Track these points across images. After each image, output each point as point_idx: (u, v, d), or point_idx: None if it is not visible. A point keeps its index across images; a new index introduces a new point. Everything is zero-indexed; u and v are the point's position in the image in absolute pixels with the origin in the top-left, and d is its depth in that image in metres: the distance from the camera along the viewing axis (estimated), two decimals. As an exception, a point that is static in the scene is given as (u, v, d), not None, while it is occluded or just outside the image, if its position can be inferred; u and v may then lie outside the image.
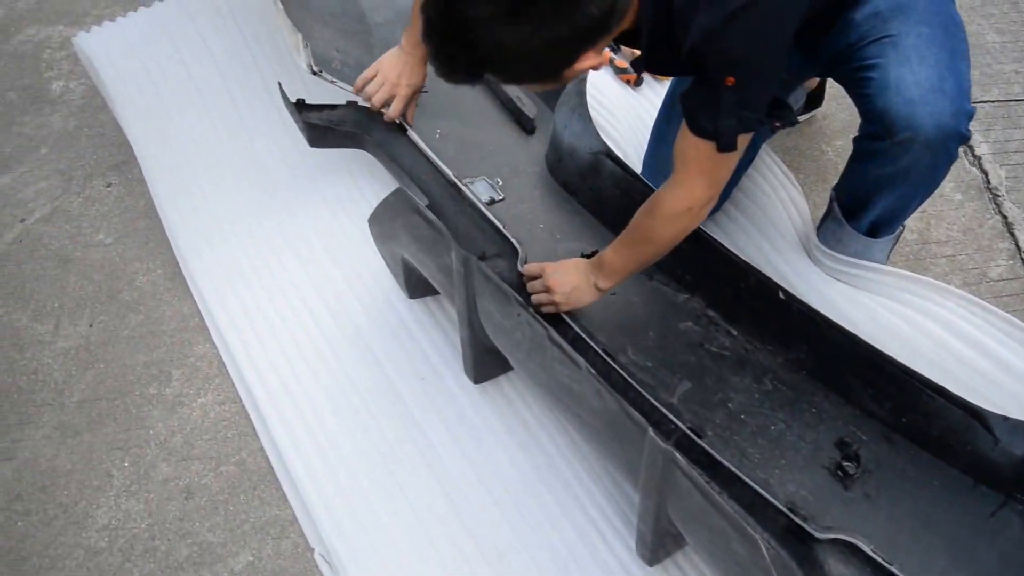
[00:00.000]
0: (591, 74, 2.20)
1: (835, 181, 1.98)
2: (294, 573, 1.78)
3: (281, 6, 2.25)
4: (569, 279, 1.72)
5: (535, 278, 1.77)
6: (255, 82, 2.71)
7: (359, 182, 2.41)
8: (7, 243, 2.52)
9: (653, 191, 1.87)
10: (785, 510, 1.36)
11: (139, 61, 2.75)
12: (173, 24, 2.86)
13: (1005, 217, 2.33)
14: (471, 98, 2.37)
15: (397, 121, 2.18)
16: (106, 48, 2.78)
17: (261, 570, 1.78)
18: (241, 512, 1.86)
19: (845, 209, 1.94)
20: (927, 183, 1.79)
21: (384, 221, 1.91)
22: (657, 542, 1.56)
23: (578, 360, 1.49)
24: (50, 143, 2.85)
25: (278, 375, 2.01)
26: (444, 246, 1.68)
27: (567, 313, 1.75)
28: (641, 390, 1.57)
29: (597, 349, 1.66)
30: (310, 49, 2.17)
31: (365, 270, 2.19)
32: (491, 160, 2.20)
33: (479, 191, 2.07)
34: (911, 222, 2.17)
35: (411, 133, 2.16)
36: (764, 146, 2.22)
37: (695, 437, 1.51)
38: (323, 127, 2.21)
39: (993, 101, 2.64)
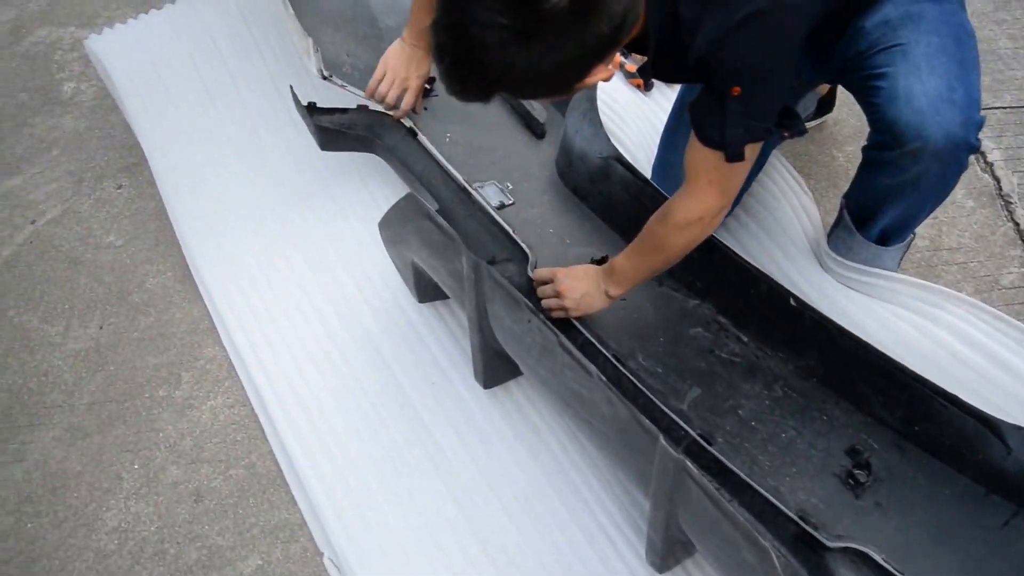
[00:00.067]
0: (601, 81, 2.21)
1: (846, 186, 1.97)
2: (303, 577, 1.78)
3: (292, 11, 2.25)
4: (580, 285, 1.72)
5: (545, 283, 1.77)
6: (266, 85, 2.71)
7: (369, 185, 2.42)
8: (18, 244, 2.53)
9: (663, 196, 1.88)
10: (796, 518, 1.36)
11: (150, 63, 2.76)
12: (184, 26, 2.86)
13: (1017, 224, 2.32)
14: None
15: (407, 124, 2.18)
16: (117, 50, 2.78)
17: (270, 574, 1.78)
18: (250, 516, 1.86)
19: (855, 217, 1.93)
20: (936, 193, 1.78)
21: (394, 225, 1.91)
22: (667, 549, 1.55)
23: (589, 367, 1.49)
24: (61, 144, 2.86)
25: (287, 378, 2.02)
26: (455, 251, 1.68)
27: (577, 318, 1.75)
28: (651, 396, 1.56)
29: (607, 355, 1.66)
30: (320, 54, 2.17)
31: (375, 274, 2.19)
32: (501, 164, 2.20)
33: (489, 195, 2.07)
34: (922, 229, 2.16)
35: (421, 137, 2.16)
36: (775, 152, 2.21)
37: (705, 444, 1.50)
38: (334, 131, 2.21)
39: (1005, 107, 2.64)
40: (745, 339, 1.82)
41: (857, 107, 1.82)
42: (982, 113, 1.65)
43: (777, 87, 1.45)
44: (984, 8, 2.97)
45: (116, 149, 2.81)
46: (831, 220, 2.06)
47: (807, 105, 2.44)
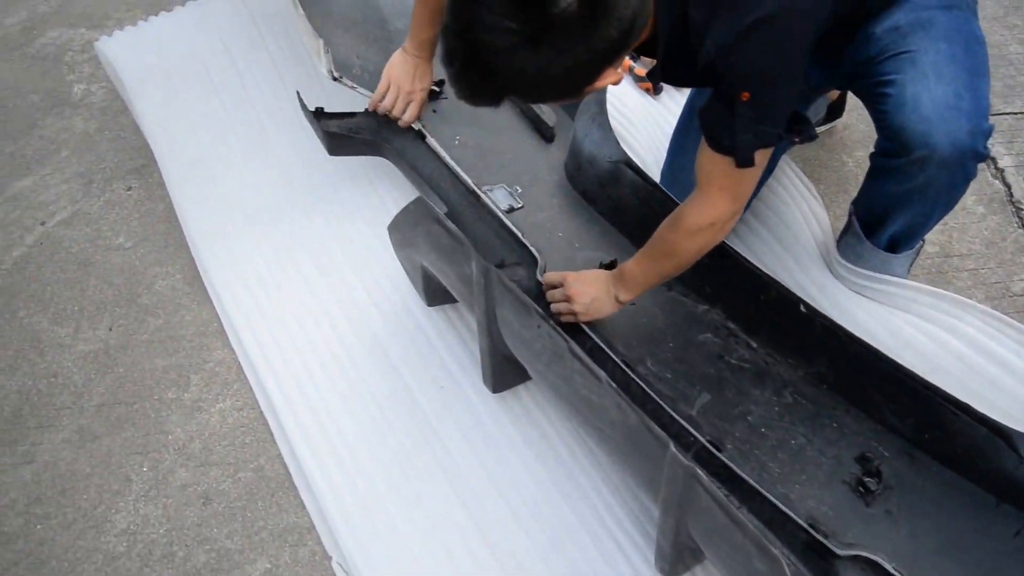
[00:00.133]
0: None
1: (855, 192, 1.97)
2: (311, 581, 1.78)
3: (302, 11, 2.25)
4: (590, 290, 1.72)
5: (555, 287, 1.77)
6: (276, 87, 2.72)
7: (378, 189, 2.42)
8: (28, 246, 2.54)
9: (673, 201, 1.88)
10: (806, 526, 1.36)
11: (160, 65, 2.77)
12: (194, 29, 2.87)
13: (1028, 230, 2.32)
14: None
15: (415, 128, 2.18)
16: (128, 52, 2.79)
17: (278, 577, 1.79)
18: (259, 519, 1.86)
19: (864, 224, 1.93)
20: (945, 200, 1.78)
21: (404, 229, 1.91)
22: (676, 556, 1.55)
23: (599, 373, 1.48)
24: (71, 146, 2.86)
25: (296, 381, 2.02)
26: (464, 256, 1.68)
27: (586, 323, 1.75)
28: (660, 402, 1.56)
29: (616, 360, 1.66)
30: (331, 55, 2.17)
31: (383, 277, 2.19)
32: (510, 168, 2.20)
33: (498, 199, 2.07)
34: (933, 235, 2.16)
35: (430, 140, 2.16)
36: (785, 158, 2.21)
37: (715, 450, 1.50)
38: (342, 135, 2.22)
39: (1016, 113, 2.63)
40: (755, 345, 1.82)
41: (867, 112, 1.81)
42: (992, 119, 1.64)
43: (787, 92, 1.44)
44: (995, 13, 2.96)
45: (126, 151, 2.82)
46: (841, 226, 2.06)
47: (817, 110, 2.43)
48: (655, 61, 1.55)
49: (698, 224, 1.56)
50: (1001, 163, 2.48)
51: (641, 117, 2.56)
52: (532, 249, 1.86)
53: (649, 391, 1.58)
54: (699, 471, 1.30)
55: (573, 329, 1.71)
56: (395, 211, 1.90)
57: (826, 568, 1.33)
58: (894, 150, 1.66)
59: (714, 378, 1.77)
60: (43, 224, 2.61)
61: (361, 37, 2.48)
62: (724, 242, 1.72)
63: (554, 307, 1.74)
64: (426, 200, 1.81)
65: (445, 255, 1.78)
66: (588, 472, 1.82)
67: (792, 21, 1.36)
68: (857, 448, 1.64)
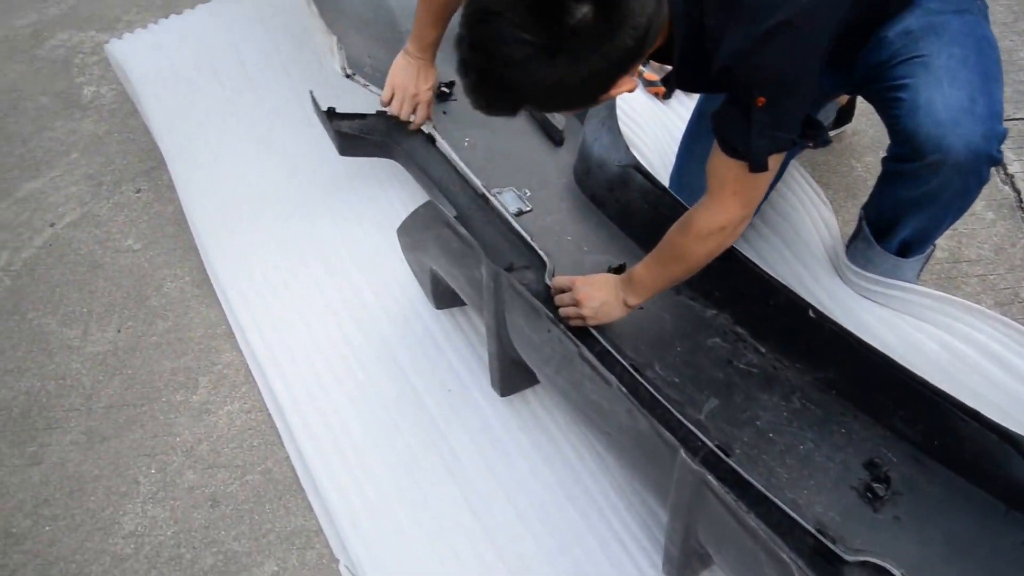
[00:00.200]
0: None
1: (864, 197, 1.96)
2: (318, 584, 1.78)
3: (315, 8, 2.25)
4: (598, 294, 1.72)
5: (564, 291, 1.77)
6: (285, 90, 2.72)
7: (387, 191, 2.42)
8: (37, 247, 2.54)
9: (681, 205, 1.88)
10: (814, 531, 1.35)
11: (170, 68, 2.77)
12: (204, 32, 2.88)
13: (1037, 236, 2.31)
14: (500, 109, 2.37)
15: (425, 131, 2.19)
16: (137, 54, 2.80)
17: (285, 580, 1.79)
18: (267, 521, 1.86)
19: (874, 229, 1.93)
20: (957, 205, 1.77)
21: (413, 232, 1.91)
22: (684, 561, 1.55)
23: (609, 378, 1.48)
24: (80, 148, 2.87)
25: (304, 384, 2.02)
26: (474, 259, 1.68)
27: (594, 327, 1.75)
28: (669, 406, 1.56)
29: (624, 364, 1.66)
30: (344, 52, 2.17)
31: (392, 279, 2.20)
32: (519, 171, 2.20)
33: (507, 201, 2.07)
34: (942, 241, 2.15)
35: (440, 144, 2.16)
36: (795, 163, 2.21)
37: (723, 455, 1.50)
38: (353, 136, 2.22)
39: (1026, 118, 2.63)
40: (763, 350, 1.82)
41: (876, 117, 1.81)
42: (1004, 125, 1.64)
43: (802, 97, 1.44)
44: (1005, 18, 2.95)
45: (135, 153, 2.83)
46: (849, 231, 2.06)
47: (827, 115, 2.43)
48: (666, 66, 1.55)
49: (709, 228, 1.56)
50: (1011, 169, 2.47)
51: (650, 121, 2.57)
52: (541, 253, 1.86)
53: (657, 395, 1.57)
54: (709, 476, 1.30)
55: (581, 333, 1.71)
56: (403, 213, 1.90)
57: (834, 573, 1.33)
58: (907, 154, 1.66)
59: (722, 383, 1.77)
60: (52, 226, 2.61)
61: (372, 37, 2.48)
62: (733, 247, 1.72)
63: (562, 311, 1.74)
64: (436, 203, 1.82)
65: (455, 259, 1.78)
66: (595, 476, 1.81)
67: (808, 27, 1.36)
68: (865, 454, 1.63)
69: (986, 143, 1.59)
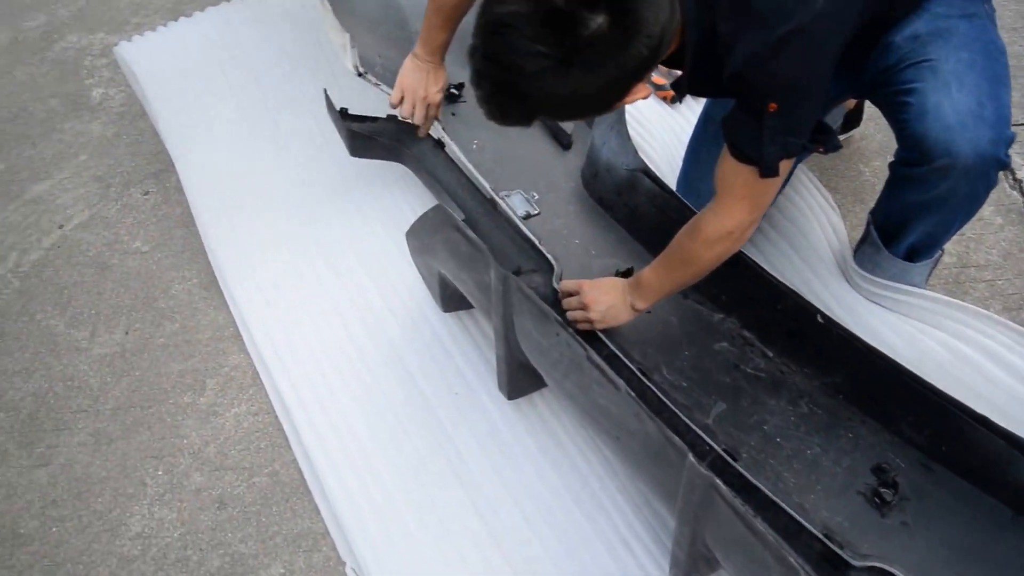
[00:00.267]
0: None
1: (872, 202, 1.96)
2: (325, 586, 1.79)
3: (329, 6, 2.25)
4: (606, 297, 1.72)
5: (571, 294, 1.77)
6: (293, 93, 2.73)
7: (394, 194, 2.42)
8: (45, 249, 2.55)
9: (690, 209, 1.88)
10: (821, 536, 1.35)
11: (179, 70, 2.78)
12: (213, 34, 2.89)
13: (1046, 242, 2.30)
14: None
15: (434, 136, 2.19)
16: (146, 57, 2.81)
17: (292, 582, 1.79)
18: (273, 524, 1.87)
19: (882, 233, 1.92)
20: (966, 209, 1.77)
21: (422, 236, 1.91)
22: (691, 565, 1.54)
23: (617, 382, 1.48)
24: (89, 150, 2.88)
25: (311, 387, 2.02)
26: (483, 263, 1.68)
27: (602, 330, 1.75)
28: (676, 410, 1.56)
29: (632, 368, 1.66)
30: (356, 50, 2.17)
31: (399, 282, 2.20)
32: (527, 174, 2.20)
33: (515, 205, 2.07)
34: (950, 245, 2.15)
35: (449, 147, 2.16)
36: (803, 167, 2.21)
37: (730, 460, 1.50)
38: (364, 136, 2.23)
39: (1034, 123, 2.62)
40: (770, 354, 1.81)
41: (884, 122, 1.81)
42: (1012, 129, 1.64)
43: (814, 103, 1.44)
44: (1014, 23, 2.95)
45: (143, 155, 2.83)
46: (857, 235, 2.05)
47: (834, 119, 2.43)
48: (674, 70, 1.55)
49: (717, 233, 1.56)
50: (1020, 174, 2.47)
51: (658, 125, 2.57)
52: (549, 256, 1.86)
53: (665, 399, 1.57)
54: (718, 481, 1.30)
55: (589, 337, 1.71)
56: (411, 216, 1.90)
57: (841, 579, 1.33)
58: (915, 159, 1.66)
59: (730, 387, 1.77)
60: (61, 227, 2.62)
61: (382, 37, 2.49)
62: (740, 251, 1.72)
63: (570, 315, 1.74)
64: (445, 207, 1.82)
65: (463, 262, 1.78)
66: (602, 479, 1.81)
67: (821, 33, 1.36)
68: (873, 459, 1.63)
69: (994, 147, 1.59)
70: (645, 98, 1.38)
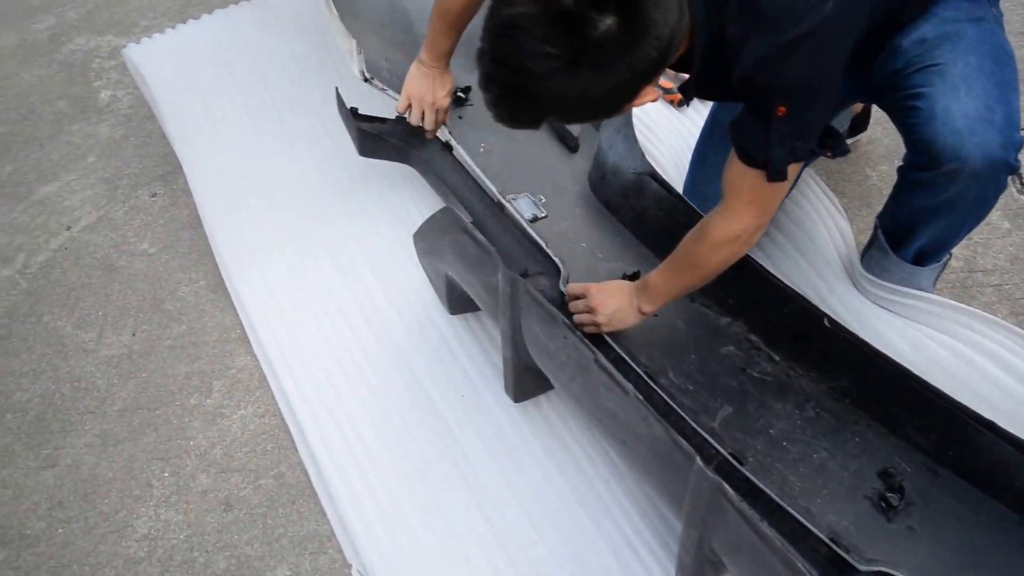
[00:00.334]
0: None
1: (879, 206, 1.96)
2: (331, 588, 1.79)
3: (335, 12, 2.26)
4: (613, 301, 1.72)
5: (578, 297, 1.77)
6: (300, 95, 2.73)
7: (401, 196, 2.43)
8: (53, 250, 2.56)
9: (696, 213, 1.87)
10: (827, 540, 1.35)
11: (187, 73, 2.79)
12: (220, 37, 2.89)
13: (1053, 246, 2.30)
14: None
15: (442, 139, 2.20)
16: (155, 59, 2.81)
17: (298, 584, 1.79)
18: (279, 526, 1.87)
19: (890, 237, 1.92)
20: (975, 213, 1.77)
21: (429, 237, 1.92)
22: (697, 569, 1.54)
23: (626, 386, 1.48)
24: (97, 152, 2.89)
25: (318, 389, 2.02)
26: (491, 265, 1.68)
27: (609, 334, 1.75)
28: (682, 414, 1.56)
29: (639, 371, 1.66)
30: (363, 56, 2.18)
31: (406, 284, 2.20)
32: (534, 177, 2.20)
33: (522, 207, 2.07)
34: (957, 250, 2.14)
35: (457, 151, 2.17)
36: (810, 171, 2.20)
37: (736, 463, 1.50)
38: (374, 136, 2.24)
39: (1042, 128, 2.61)
40: (777, 358, 1.81)
41: (891, 126, 1.81)
42: (1021, 133, 1.63)
43: (823, 107, 1.44)
44: (1022, 28, 2.94)
45: (151, 157, 2.84)
46: (864, 240, 2.05)
47: (840, 123, 2.42)
48: (681, 74, 1.54)
49: (724, 236, 1.56)
50: (1027, 178, 2.47)
51: (665, 129, 2.57)
52: (556, 259, 1.86)
53: (671, 403, 1.57)
54: (726, 485, 1.30)
55: (595, 340, 1.71)
56: (417, 218, 1.91)
57: (848, 583, 1.32)
58: (924, 163, 1.66)
59: (736, 391, 1.77)
60: (68, 229, 2.63)
61: (388, 41, 2.49)
62: (747, 255, 1.72)
63: (576, 318, 1.74)
64: (453, 209, 1.82)
65: (471, 264, 1.78)
66: (608, 482, 1.81)
67: (831, 36, 1.36)
68: (879, 463, 1.62)
69: (1004, 151, 1.59)
70: (654, 100, 1.38)
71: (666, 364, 1.81)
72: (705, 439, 1.52)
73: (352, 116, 2.22)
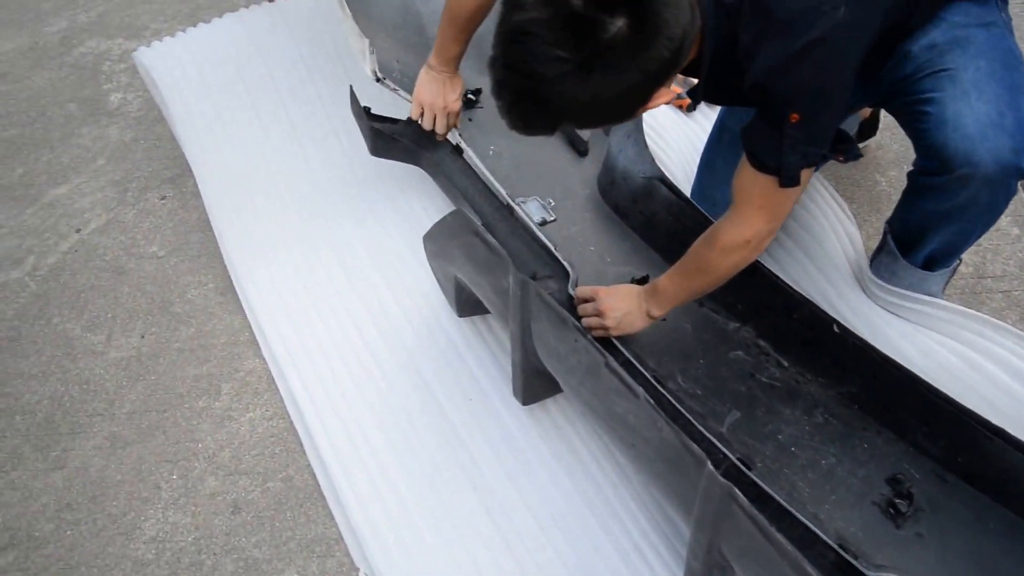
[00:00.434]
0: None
1: (888, 211, 1.96)
2: (338, 591, 1.79)
3: (349, 12, 2.27)
4: (622, 304, 1.72)
5: (587, 301, 1.77)
6: (310, 97, 2.74)
7: (410, 198, 2.43)
8: (62, 252, 2.56)
9: (705, 218, 1.87)
10: (835, 546, 1.35)
11: (197, 76, 2.79)
12: (231, 40, 2.90)
13: (1063, 253, 2.29)
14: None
15: (453, 142, 2.20)
16: (165, 62, 2.82)
17: (306, 587, 1.79)
18: (287, 529, 1.87)
19: (900, 242, 1.92)
20: (985, 218, 1.77)
21: (439, 240, 1.92)
22: (706, 574, 1.54)
23: (636, 390, 1.48)
24: (107, 154, 2.90)
25: (326, 392, 2.02)
26: (501, 268, 1.68)
27: (617, 338, 1.75)
28: (691, 418, 1.56)
29: (647, 375, 1.66)
30: (376, 56, 2.18)
31: (414, 287, 2.20)
32: (544, 180, 2.20)
33: (531, 211, 2.07)
34: (967, 256, 2.14)
35: (467, 154, 2.17)
36: (819, 176, 2.20)
37: (745, 468, 1.50)
38: (385, 136, 2.25)
39: (1052, 134, 2.60)
40: (786, 363, 1.81)
41: (900, 131, 1.80)
42: (1027, 139, 1.63)
43: (835, 112, 1.44)
44: (1031, 33, 2.94)
45: (161, 160, 2.85)
46: (873, 245, 2.05)
47: (849, 128, 2.42)
48: (690, 78, 1.55)
49: (734, 241, 1.56)
50: (1037, 184, 2.46)
51: (674, 134, 2.57)
52: (565, 263, 1.87)
53: (679, 407, 1.57)
54: (736, 490, 1.29)
55: (604, 343, 1.71)
56: (425, 220, 1.91)
57: (856, 590, 1.32)
58: (935, 168, 1.65)
59: (745, 396, 1.77)
60: (78, 231, 2.63)
61: (400, 42, 2.50)
62: (756, 260, 1.72)
63: (585, 321, 1.74)
64: (464, 212, 1.82)
65: (481, 267, 1.78)
66: (616, 486, 1.81)
67: (843, 42, 1.36)
68: (888, 469, 1.62)
69: (1015, 156, 1.58)
70: (668, 102, 1.38)
71: (674, 368, 1.81)
72: (713, 444, 1.53)
73: (365, 115, 2.23)
